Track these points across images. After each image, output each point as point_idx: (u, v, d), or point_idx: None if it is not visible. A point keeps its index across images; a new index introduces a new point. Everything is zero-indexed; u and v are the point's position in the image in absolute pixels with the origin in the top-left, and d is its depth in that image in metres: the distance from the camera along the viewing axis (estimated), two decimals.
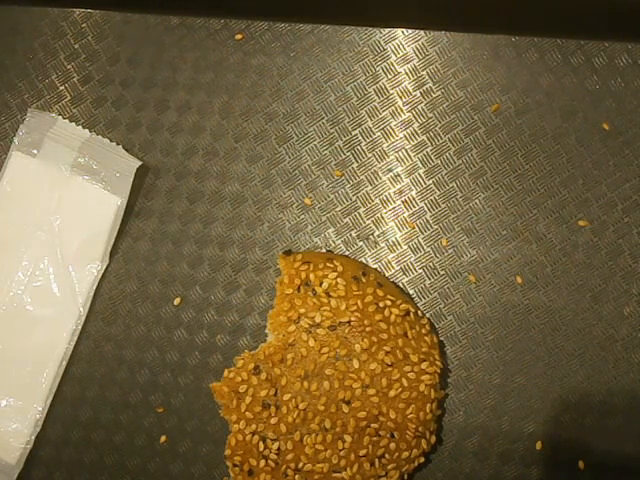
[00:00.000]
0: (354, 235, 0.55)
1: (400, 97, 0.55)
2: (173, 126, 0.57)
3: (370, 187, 0.55)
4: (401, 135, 0.55)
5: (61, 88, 0.58)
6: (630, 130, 0.54)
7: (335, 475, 0.49)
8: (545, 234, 0.54)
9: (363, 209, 0.55)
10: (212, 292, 0.56)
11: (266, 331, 0.52)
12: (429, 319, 0.53)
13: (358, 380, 0.49)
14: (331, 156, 0.56)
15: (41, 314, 0.56)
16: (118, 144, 0.56)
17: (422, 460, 0.51)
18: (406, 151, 0.55)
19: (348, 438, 0.49)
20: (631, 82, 0.54)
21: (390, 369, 0.49)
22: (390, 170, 0.55)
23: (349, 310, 0.50)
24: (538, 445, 0.52)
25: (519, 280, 0.54)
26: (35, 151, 0.57)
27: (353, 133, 0.56)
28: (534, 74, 0.54)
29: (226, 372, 0.51)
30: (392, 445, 0.49)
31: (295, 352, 0.50)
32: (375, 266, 0.55)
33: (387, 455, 0.49)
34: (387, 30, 0.56)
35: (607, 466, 0.52)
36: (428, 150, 0.55)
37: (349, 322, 0.50)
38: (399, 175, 0.55)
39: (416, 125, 0.55)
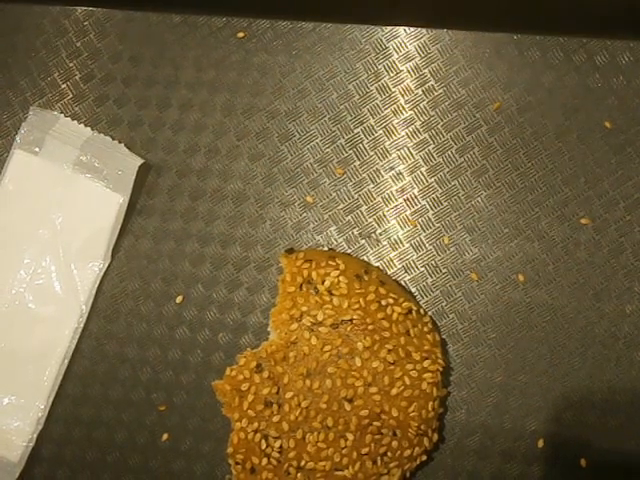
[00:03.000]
0: (356, 233, 0.55)
1: (402, 95, 0.55)
2: (175, 124, 0.57)
3: (372, 185, 0.55)
4: (403, 133, 0.55)
5: (63, 86, 0.58)
6: (632, 128, 0.53)
7: (337, 473, 0.49)
8: (547, 232, 0.54)
9: (365, 207, 0.55)
10: (214, 290, 0.56)
11: (268, 329, 0.52)
12: (431, 317, 0.53)
13: (360, 378, 0.49)
14: (333, 154, 0.56)
15: (43, 312, 0.56)
16: (120, 142, 0.56)
17: (424, 458, 0.51)
18: (408, 149, 0.55)
19: (350, 436, 0.49)
20: (633, 80, 0.54)
21: (392, 367, 0.49)
22: (392, 168, 0.55)
23: (351, 308, 0.50)
24: (540, 443, 0.52)
25: (521, 278, 0.54)
26: (37, 149, 0.56)
27: (355, 131, 0.56)
28: (536, 72, 0.54)
29: (228, 370, 0.51)
30: (394, 443, 0.49)
31: (297, 350, 0.50)
32: (377, 264, 0.55)
33: (389, 453, 0.49)
34: (389, 28, 0.56)
35: (609, 464, 0.52)
36: (430, 148, 0.55)
37: (351, 320, 0.50)
38: (401, 173, 0.55)
39: (418, 123, 0.55)
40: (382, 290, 0.51)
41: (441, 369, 0.50)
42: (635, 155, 0.53)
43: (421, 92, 0.55)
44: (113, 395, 0.56)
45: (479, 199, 0.54)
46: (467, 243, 0.54)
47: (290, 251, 0.53)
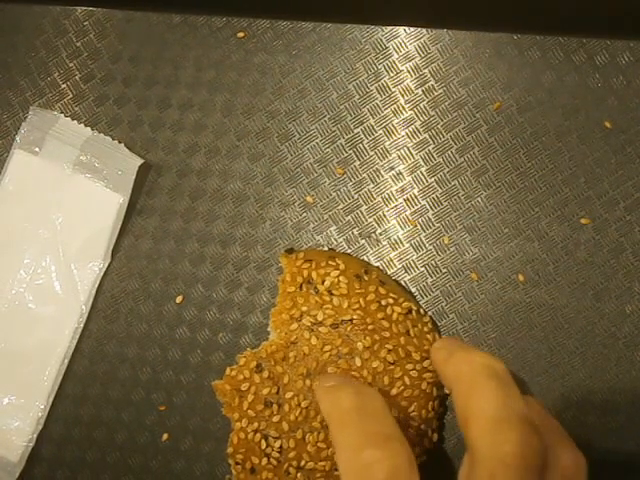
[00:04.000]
0: (356, 233, 0.55)
1: (402, 95, 0.55)
2: (175, 124, 0.57)
3: (372, 185, 0.55)
4: (403, 133, 0.55)
5: (63, 86, 0.58)
6: (632, 128, 0.53)
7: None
8: (547, 232, 0.54)
9: (365, 207, 0.55)
10: (214, 290, 0.56)
11: (268, 329, 0.52)
12: (431, 317, 0.53)
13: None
14: (333, 154, 0.56)
15: (43, 312, 0.56)
16: (120, 142, 0.56)
17: (424, 458, 0.50)
18: (408, 149, 0.55)
19: None
20: (633, 80, 0.54)
21: (392, 367, 0.49)
22: (392, 168, 0.55)
23: (351, 308, 0.50)
24: None
25: (521, 278, 0.54)
26: (37, 149, 0.57)
27: (355, 131, 0.56)
28: (536, 72, 0.54)
29: (228, 370, 0.51)
30: None
31: (297, 350, 0.50)
32: (377, 264, 0.55)
33: None
34: (389, 28, 0.56)
35: (609, 464, 0.52)
36: (430, 148, 0.55)
37: (351, 320, 0.50)
38: (401, 173, 0.55)
39: (418, 123, 0.55)
40: (382, 290, 0.51)
41: None
42: (635, 155, 0.53)
43: (421, 92, 0.55)
44: (113, 395, 0.56)
45: (479, 199, 0.54)
46: (467, 243, 0.54)
47: (290, 251, 0.53)
